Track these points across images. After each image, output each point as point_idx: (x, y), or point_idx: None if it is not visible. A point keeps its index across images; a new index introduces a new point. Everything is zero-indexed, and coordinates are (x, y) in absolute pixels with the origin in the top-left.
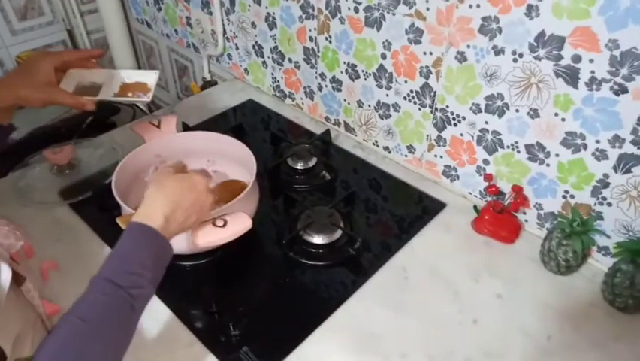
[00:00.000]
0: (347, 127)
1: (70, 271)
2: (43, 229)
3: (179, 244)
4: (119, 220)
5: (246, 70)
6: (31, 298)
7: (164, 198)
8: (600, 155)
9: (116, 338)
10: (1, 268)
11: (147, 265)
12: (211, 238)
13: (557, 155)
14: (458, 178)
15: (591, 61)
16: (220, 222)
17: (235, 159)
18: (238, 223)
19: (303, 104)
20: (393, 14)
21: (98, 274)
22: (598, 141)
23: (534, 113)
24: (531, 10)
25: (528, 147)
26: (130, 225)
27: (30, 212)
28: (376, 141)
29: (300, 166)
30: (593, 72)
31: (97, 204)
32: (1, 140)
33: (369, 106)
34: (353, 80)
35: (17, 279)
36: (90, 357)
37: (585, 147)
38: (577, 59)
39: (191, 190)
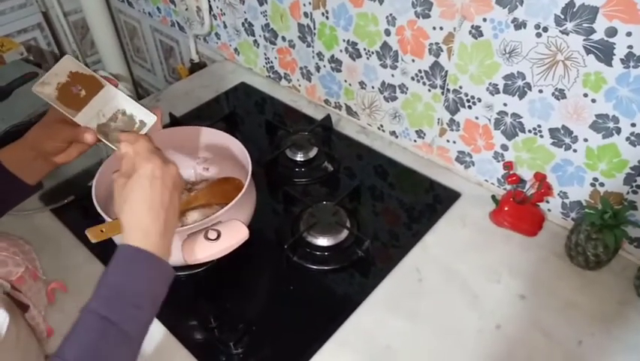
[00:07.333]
0: (349, 110)
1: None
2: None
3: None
4: (88, 233)
5: (236, 50)
6: (36, 324)
7: (138, 211)
8: (636, 140)
9: None
10: None
11: (141, 292)
12: (204, 253)
13: (586, 140)
14: (473, 165)
15: (629, 34)
16: (213, 235)
17: (228, 155)
18: (233, 235)
19: (299, 85)
20: None
21: (88, 305)
22: (634, 125)
23: (560, 94)
24: None
25: (552, 131)
26: (118, 250)
27: (8, 220)
28: (382, 126)
29: (299, 158)
30: (630, 47)
31: (81, 209)
32: (22, 197)
33: (373, 87)
34: (354, 60)
35: (21, 307)
36: None
37: (618, 130)
38: (612, 32)
39: (153, 185)
